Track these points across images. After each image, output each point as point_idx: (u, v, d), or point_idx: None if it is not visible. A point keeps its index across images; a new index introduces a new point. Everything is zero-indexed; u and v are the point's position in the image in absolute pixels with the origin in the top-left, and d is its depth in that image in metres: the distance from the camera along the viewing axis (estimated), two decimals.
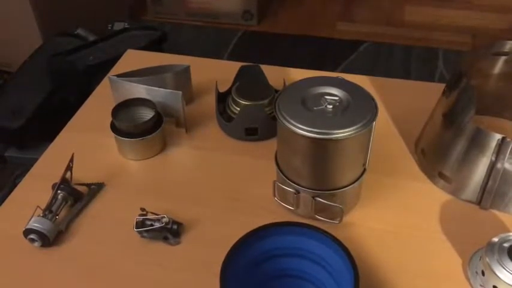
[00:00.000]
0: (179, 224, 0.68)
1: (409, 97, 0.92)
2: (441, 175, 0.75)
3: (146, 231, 0.67)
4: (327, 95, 0.64)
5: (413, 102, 0.90)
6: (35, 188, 0.76)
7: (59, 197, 0.72)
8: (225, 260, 0.54)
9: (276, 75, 0.92)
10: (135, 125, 0.80)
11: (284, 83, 0.89)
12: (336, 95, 0.64)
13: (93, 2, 1.99)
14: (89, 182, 0.76)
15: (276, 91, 0.86)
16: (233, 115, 0.85)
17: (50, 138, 0.86)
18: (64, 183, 0.73)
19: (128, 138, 0.79)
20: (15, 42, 1.84)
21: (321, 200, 0.66)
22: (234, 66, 0.92)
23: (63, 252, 0.68)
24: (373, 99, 0.64)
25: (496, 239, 0.60)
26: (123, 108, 0.81)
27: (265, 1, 2.41)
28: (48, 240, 0.67)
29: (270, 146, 0.79)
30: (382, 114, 0.88)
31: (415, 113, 0.85)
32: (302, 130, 0.60)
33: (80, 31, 1.78)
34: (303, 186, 0.67)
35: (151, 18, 2.38)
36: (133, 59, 1.05)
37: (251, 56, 2.11)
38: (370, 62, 2.07)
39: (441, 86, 0.79)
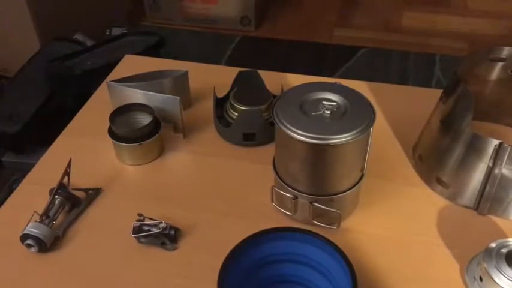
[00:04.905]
0: (177, 230, 0.68)
1: (407, 103, 0.92)
2: (439, 180, 0.75)
3: (143, 236, 0.67)
4: (324, 101, 0.64)
5: (411, 107, 0.90)
6: (32, 193, 0.75)
7: (56, 202, 0.71)
8: (222, 265, 0.54)
9: (274, 80, 0.92)
10: (132, 130, 0.80)
11: (282, 88, 0.89)
12: (333, 101, 0.65)
13: (91, 7, 1.99)
14: (86, 187, 0.76)
15: (274, 96, 0.86)
16: (231, 120, 0.85)
17: (47, 143, 0.86)
18: (61, 188, 0.72)
19: (125, 143, 0.79)
20: (13, 47, 1.84)
21: (318, 205, 0.66)
22: (232, 72, 0.92)
23: (60, 257, 0.68)
24: (370, 105, 0.64)
25: (493, 245, 0.60)
26: (121, 113, 0.81)
27: (263, 7, 2.41)
28: (45, 245, 0.67)
29: (268, 151, 0.79)
30: (380, 119, 0.88)
31: (413, 118, 0.85)
32: (300, 135, 0.60)
33: (78, 36, 1.78)
34: (300, 192, 0.67)
35: (149, 23, 2.38)
36: (131, 64, 1.05)
37: (249, 61, 2.11)
38: (367, 68, 2.08)
39: (438, 92, 0.79)
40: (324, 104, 0.64)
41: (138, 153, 0.80)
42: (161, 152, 0.83)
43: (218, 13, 2.31)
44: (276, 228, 0.59)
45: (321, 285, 0.59)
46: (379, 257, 0.67)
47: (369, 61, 2.12)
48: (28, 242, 0.66)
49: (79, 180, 0.76)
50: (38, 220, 0.68)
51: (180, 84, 0.89)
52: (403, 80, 2.00)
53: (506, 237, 0.64)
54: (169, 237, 0.67)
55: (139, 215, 0.69)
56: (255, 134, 0.83)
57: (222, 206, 0.74)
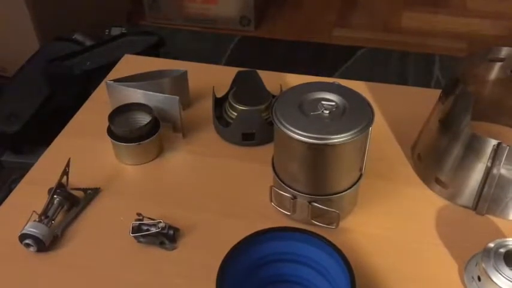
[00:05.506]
0: (175, 229, 0.68)
1: (406, 103, 0.92)
2: (437, 180, 0.75)
3: (142, 236, 0.67)
4: (323, 101, 0.64)
5: (410, 107, 0.90)
6: (31, 192, 0.75)
7: (55, 201, 0.71)
8: (221, 265, 0.54)
9: (273, 80, 0.92)
10: (131, 129, 0.80)
11: (281, 88, 0.89)
12: (332, 101, 0.65)
13: (90, 7, 1.99)
14: (85, 187, 0.76)
15: (273, 96, 0.86)
16: (230, 120, 0.85)
17: (46, 143, 0.86)
18: (60, 188, 0.72)
19: (124, 143, 0.79)
20: (12, 47, 1.84)
21: (317, 205, 0.66)
22: (231, 72, 0.92)
23: (59, 257, 0.68)
24: (369, 105, 0.64)
25: (492, 245, 0.61)
26: (120, 113, 0.81)
27: (262, 7, 2.41)
28: (43, 245, 0.67)
29: (267, 151, 0.79)
30: (379, 119, 0.88)
31: (412, 118, 0.85)
32: (299, 135, 0.60)
33: (77, 36, 1.78)
34: (299, 191, 0.67)
35: (148, 23, 2.38)
36: (130, 64, 1.05)
37: (248, 61, 2.11)
38: (366, 68, 2.08)
39: (437, 92, 0.79)
40: (323, 104, 0.64)
41: (137, 153, 0.80)
42: (160, 151, 0.83)
43: (218, 13, 2.31)
44: (275, 228, 0.59)
45: (320, 285, 0.59)
46: (378, 257, 0.67)
47: (368, 61, 2.12)
48: (27, 241, 0.66)
49: (78, 180, 0.76)
50: (37, 220, 0.68)
51: (179, 84, 0.89)
52: (402, 80, 2.00)
53: (505, 237, 0.64)
54: (168, 237, 0.68)
55: (138, 214, 0.69)
56: (254, 133, 0.83)
57: (221, 205, 0.74)
